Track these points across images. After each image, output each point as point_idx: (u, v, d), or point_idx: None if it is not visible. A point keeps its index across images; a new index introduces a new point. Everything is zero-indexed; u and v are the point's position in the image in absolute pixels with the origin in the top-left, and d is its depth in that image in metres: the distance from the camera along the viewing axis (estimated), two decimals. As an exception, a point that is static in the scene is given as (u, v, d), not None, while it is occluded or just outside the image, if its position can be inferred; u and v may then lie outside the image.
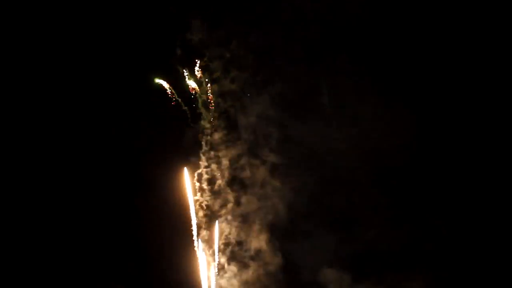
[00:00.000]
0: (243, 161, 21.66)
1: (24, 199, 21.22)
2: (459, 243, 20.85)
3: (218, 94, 21.49)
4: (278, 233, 21.58)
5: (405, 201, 21.35)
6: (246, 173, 21.66)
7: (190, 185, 21.20)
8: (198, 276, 20.80)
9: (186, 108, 21.48)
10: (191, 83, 21.33)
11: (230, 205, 21.70)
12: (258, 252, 21.57)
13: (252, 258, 21.58)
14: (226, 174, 21.71)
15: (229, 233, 21.60)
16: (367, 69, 21.14)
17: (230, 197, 21.69)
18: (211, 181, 21.69)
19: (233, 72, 21.28)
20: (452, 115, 21.22)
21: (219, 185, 21.65)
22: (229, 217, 21.62)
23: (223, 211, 21.65)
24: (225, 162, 21.68)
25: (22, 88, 21.42)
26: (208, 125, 21.55)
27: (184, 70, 21.20)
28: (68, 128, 21.72)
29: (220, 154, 21.68)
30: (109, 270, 21.29)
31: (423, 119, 21.15)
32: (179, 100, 21.45)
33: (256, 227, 21.65)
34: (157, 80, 21.37)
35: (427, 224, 21.09)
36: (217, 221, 21.25)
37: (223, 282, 21.38)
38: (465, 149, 21.11)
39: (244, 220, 21.70)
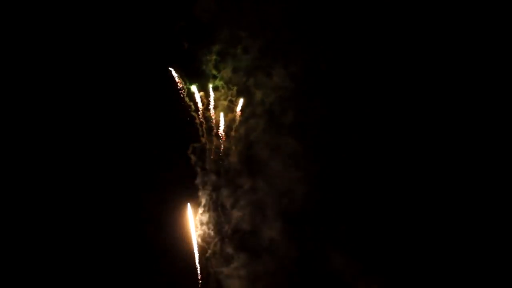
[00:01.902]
0: (256, 144, 20.72)
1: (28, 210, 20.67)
2: (466, 240, 20.38)
3: (232, 71, 20.50)
4: (290, 221, 20.76)
5: (418, 195, 20.78)
6: (260, 156, 20.72)
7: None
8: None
9: (201, 94, 20.53)
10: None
11: (241, 190, 20.78)
12: (270, 240, 20.73)
13: (264, 247, 20.73)
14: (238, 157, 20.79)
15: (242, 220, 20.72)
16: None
17: (243, 180, 20.75)
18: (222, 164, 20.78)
19: (246, 45, 20.19)
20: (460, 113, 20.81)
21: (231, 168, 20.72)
22: (242, 202, 20.69)
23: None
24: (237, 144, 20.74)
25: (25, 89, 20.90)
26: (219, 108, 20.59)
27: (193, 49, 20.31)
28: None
29: (233, 135, 20.70)
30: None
31: (435, 115, 20.80)
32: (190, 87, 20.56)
33: (268, 213, 20.75)
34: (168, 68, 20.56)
35: (437, 220, 20.65)
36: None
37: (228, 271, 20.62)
38: (470, 148, 20.72)
39: (256, 206, 20.78)
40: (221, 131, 20.53)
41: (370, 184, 20.85)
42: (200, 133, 20.51)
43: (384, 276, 20.36)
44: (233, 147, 20.66)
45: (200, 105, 20.58)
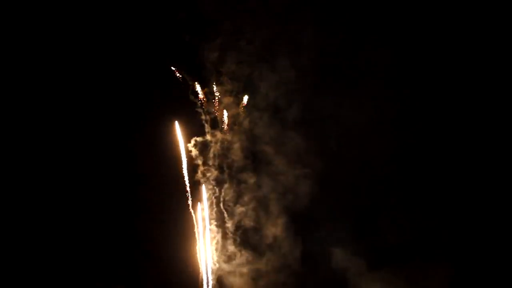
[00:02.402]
0: (261, 139, 20.43)
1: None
2: (476, 235, 20.33)
3: (236, 65, 20.10)
4: (295, 220, 20.54)
5: (425, 192, 20.72)
6: (264, 152, 20.45)
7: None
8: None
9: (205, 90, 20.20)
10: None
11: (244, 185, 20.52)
12: (274, 238, 20.51)
13: (267, 244, 20.49)
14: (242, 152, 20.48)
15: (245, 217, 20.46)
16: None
17: (246, 177, 20.46)
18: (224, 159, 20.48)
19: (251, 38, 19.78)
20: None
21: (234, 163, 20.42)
22: (246, 199, 20.45)
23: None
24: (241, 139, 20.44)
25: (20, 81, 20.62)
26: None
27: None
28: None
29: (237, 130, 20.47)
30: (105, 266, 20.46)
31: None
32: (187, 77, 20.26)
33: (271, 210, 20.52)
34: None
35: (445, 215, 20.59)
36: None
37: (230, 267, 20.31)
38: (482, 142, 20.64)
39: (259, 202, 20.56)
40: (225, 126, 20.31)
41: (376, 181, 20.68)
42: (206, 130, 20.30)
43: (389, 273, 20.22)
44: (237, 142, 20.40)
45: (202, 100, 20.35)
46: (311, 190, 20.29)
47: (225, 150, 20.35)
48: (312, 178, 20.31)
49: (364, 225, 20.61)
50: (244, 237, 20.40)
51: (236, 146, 20.26)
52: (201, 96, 20.19)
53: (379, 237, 20.41)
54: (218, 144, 20.23)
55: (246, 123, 20.26)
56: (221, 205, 20.35)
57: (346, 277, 20.36)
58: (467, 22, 20.24)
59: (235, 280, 20.22)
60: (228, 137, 20.27)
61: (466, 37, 20.34)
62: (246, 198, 20.32)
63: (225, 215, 20.27)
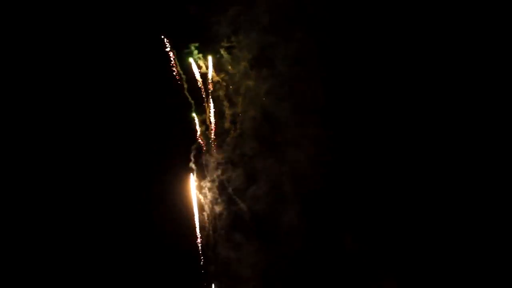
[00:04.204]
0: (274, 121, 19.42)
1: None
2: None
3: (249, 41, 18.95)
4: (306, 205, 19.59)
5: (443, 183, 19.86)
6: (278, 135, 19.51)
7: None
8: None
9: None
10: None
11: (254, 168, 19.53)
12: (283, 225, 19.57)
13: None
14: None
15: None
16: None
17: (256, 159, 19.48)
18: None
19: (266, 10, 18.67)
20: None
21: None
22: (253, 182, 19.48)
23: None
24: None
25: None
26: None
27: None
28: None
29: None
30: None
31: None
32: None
33: (282, 196, 19.52)
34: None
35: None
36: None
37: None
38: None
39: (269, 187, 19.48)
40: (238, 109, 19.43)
41: (393, 172, 19.78)
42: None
43: (402, 265, 19.52)
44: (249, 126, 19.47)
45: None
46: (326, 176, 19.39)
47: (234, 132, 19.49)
48: (328, 164, 19.40)
49: (380, 216, 19.75)
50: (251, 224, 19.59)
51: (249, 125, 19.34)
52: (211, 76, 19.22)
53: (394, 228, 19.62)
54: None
55: (260, 102, 19.30)
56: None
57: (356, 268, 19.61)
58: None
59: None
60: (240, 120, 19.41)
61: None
62: (254, 182, 19.40)
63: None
